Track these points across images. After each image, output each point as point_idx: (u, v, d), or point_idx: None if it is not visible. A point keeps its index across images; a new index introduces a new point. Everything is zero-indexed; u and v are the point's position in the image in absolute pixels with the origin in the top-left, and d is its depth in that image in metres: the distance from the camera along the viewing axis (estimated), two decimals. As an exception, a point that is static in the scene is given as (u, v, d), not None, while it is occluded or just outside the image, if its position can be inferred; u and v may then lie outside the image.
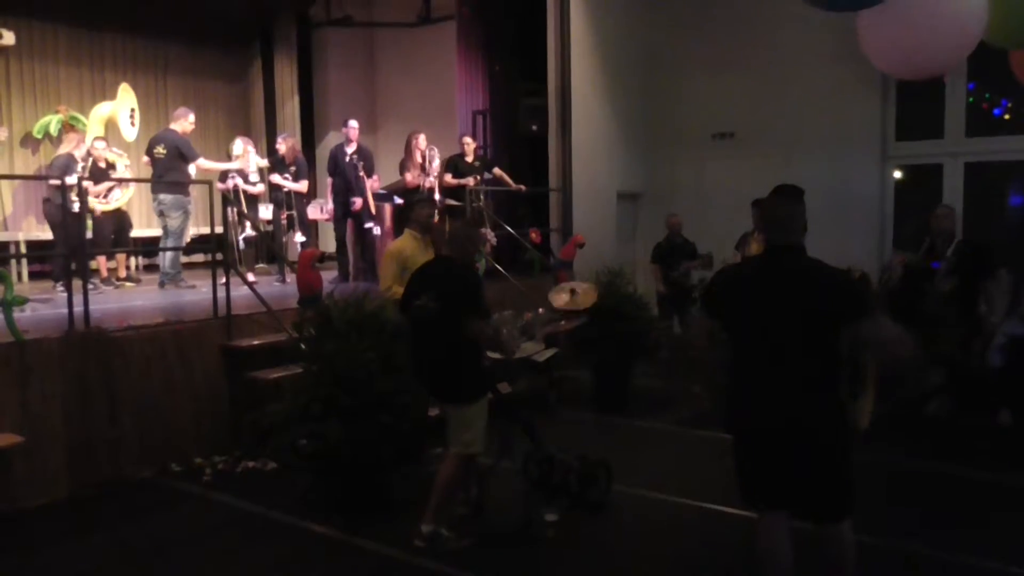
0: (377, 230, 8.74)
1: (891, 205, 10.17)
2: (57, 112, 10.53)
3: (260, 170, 9.16)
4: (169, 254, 8.39)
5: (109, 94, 11.31)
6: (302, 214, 9.36)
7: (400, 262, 5.07)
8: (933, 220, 6.51)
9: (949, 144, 9.88)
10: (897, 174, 10.35)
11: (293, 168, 9.13)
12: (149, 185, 8.63)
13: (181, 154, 8.20)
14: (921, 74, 8.42)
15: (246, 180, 8.96)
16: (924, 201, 9.73)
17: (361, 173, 8.62)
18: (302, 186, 9.16)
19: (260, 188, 9.07)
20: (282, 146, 9.26)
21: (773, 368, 3.03)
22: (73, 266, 6.30)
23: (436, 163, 8.84)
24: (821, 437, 3.01)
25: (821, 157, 10.11)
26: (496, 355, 4.48)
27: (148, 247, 10.63)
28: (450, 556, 4.07)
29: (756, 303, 3.09)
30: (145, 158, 8.46)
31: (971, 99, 9.78)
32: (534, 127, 10.47)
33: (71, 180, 7.00)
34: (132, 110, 9.98)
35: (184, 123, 8.42)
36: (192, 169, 8.40)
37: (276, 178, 9.02)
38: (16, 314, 5.02)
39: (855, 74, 9.46)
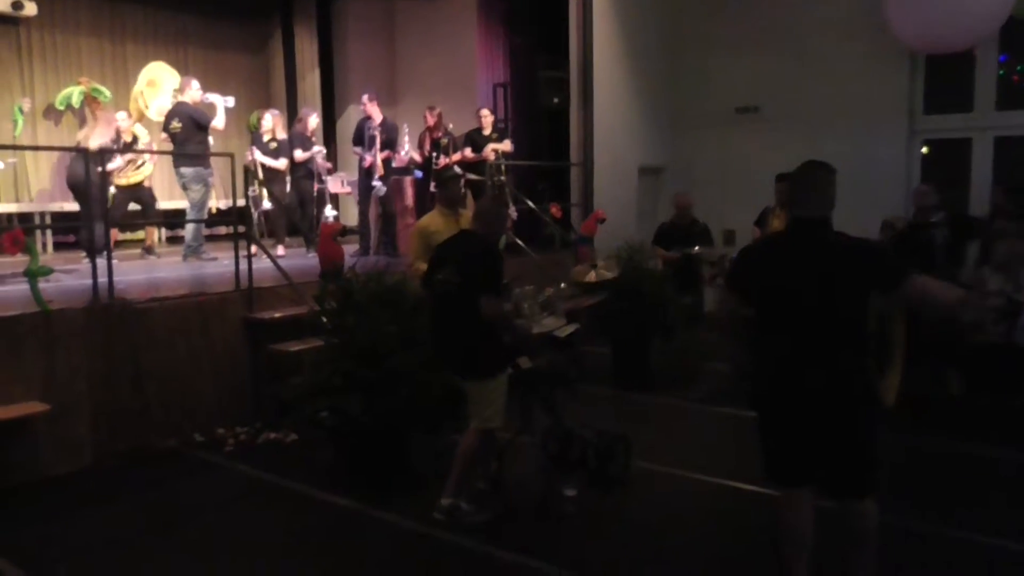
0: (383, 189, 8.75)
1: (918, 180, 9.99)
2: (79, 84, 10.58)
3: (278, 143, 9.16)
4: (191, 227, 8.43)
5: (131, 65, 11.38)
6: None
7: (426, 238, 5.03)
8: (916, 197, 6.73)
9: (978, 118, 9.69)
10: (924, 149, 10.17)
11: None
12: (170, 159, 8.65)
13: (197, 124, 8.20)
14: (946, 49, 8.26)
15: (266, 152, 8.98)
16: (952, 177, 9.58)
17: (377, 135, 8.66)
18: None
19: (283, 163, 9.06)
20: (313, 121, 9.35)
21: (802, 342, 3.00)
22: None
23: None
24: (849, 409, 2.99)
25: (847, 131, 9.95)
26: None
27: (170, 219, 10.71)
28: (469, 529, 4.09)
29: (785, 277, 3.05)
30: (163, 135, 8.46)
31: (1002, 72, 9.58)
32: (555, 100, 10.37)
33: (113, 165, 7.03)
34: (175, 90, 10.03)
35: (192, 92, 8.40)
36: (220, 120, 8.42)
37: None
38: (41, 284, 5.08)
39: (882, 47, 9.28)
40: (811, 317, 2.98)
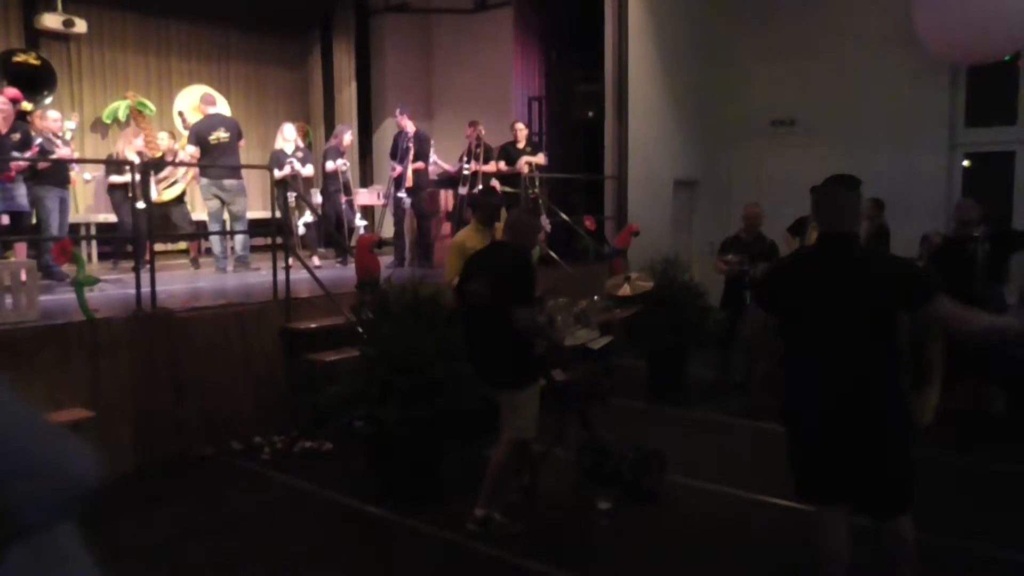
0: (407, 201, 8.83)
1: (959, 195, 9.80)
2: (125, 98, 10.86)
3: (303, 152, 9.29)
4: (241, 237, 8.57)
5: (175, 80, 11.66)
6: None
7: (463, 254, 5.07)
8: (958, 211, 6.56)
9: (1022, 131, 9.50)
10: (966, 163, 10.00)
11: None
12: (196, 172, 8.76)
13: (240, 136, 8.36)
14: (978, 61, 8.14)
15: (303, 164, 9.11)
16: (994, 191, 9.40)
17: (411, 147, 8.75)
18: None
19: (310, 170, 9.17)
20: (347, 138, 9.49)
21: (833, 359, 2.97)
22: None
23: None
24: (882, 426, 2.94)
25: (886, 145, 9.82)
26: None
27: (212, 232, 10.90)
28: (503, 541, 4.10)
29: (814, 294, 3.03)
30: (193, 148, 8.40)
31: (1047, 84, 9.40)
32: (590, 114, 10.41)
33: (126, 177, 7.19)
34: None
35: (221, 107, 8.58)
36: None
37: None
38: (87, 294, 5.22)
39: (922, 58, 9.14)
40: (838, 333, 2.95)
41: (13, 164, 6.84)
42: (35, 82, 9.36)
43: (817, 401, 3.01)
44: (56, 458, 1.29)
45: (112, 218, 10.13)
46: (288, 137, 9.20)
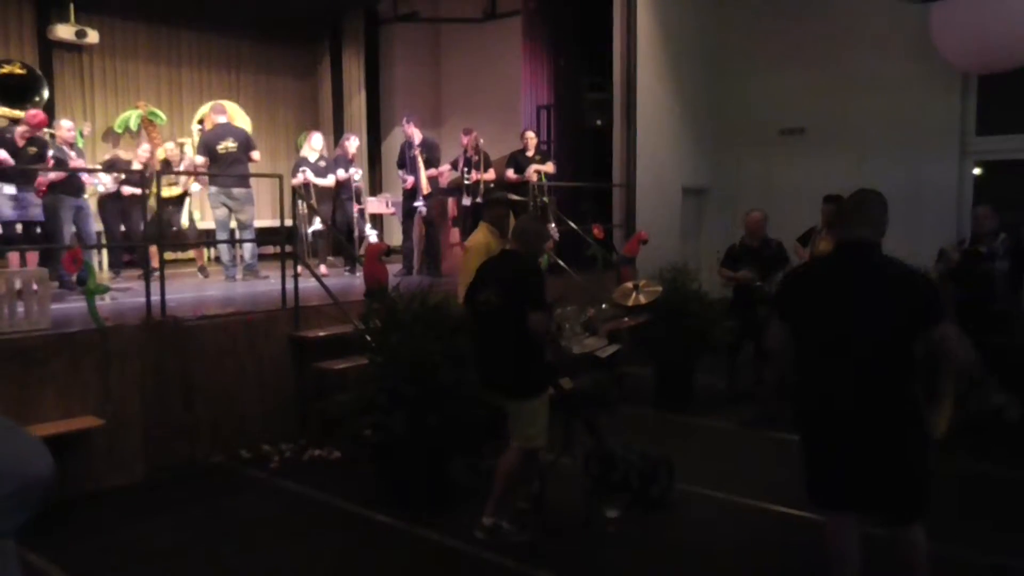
0: (423, 210, 8.85)
1: (970, 204, 9.73)
2: (137, 107, 10.95)
3: (325, 162, 9.35)
4: (249, 246, 8.61)
5: (185, 89, 11.75)
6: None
7: (486, 257, 5.05)
8: (976, 221, 6.55)
9: (1034, 138, 9.45)
10: (977, 171, 9.94)
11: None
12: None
13: (249, 147, 8.41)
14: (997, 69, 8.11)
15: (317, 172, 9.16)
16: (1006, 199, 9.34)
17: (418, 155, 8.77)
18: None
19: (331, 180, 9.24)
20: (353, 145, 9.54)
21: (847, 366, 2.97)
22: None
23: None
24: (896, 433, 2.94)
25: (896, 153, 9.78)
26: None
27: (220, 240, 10.95)
28: (511, 549, 4.10)
29: (831, 302, 3.04)
30: (201, 158, 8.39)
31: (1060, 90, 9.32)
32: (598, 122, 10.41)
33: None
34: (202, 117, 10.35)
35: (226, 116, 8.65)
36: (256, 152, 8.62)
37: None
38: (97, 302, 5.24)
39: (933, 65, 9.12)
40: (852, 341, 2.95)
41: (41, 179, 6.98)
42: (23, 91, 9.48)
43: (831, 407, 3.01)
44: (17, 458, 1.20)
45: (123, 226, 10.20)
46: (315, 146, 9.28)
